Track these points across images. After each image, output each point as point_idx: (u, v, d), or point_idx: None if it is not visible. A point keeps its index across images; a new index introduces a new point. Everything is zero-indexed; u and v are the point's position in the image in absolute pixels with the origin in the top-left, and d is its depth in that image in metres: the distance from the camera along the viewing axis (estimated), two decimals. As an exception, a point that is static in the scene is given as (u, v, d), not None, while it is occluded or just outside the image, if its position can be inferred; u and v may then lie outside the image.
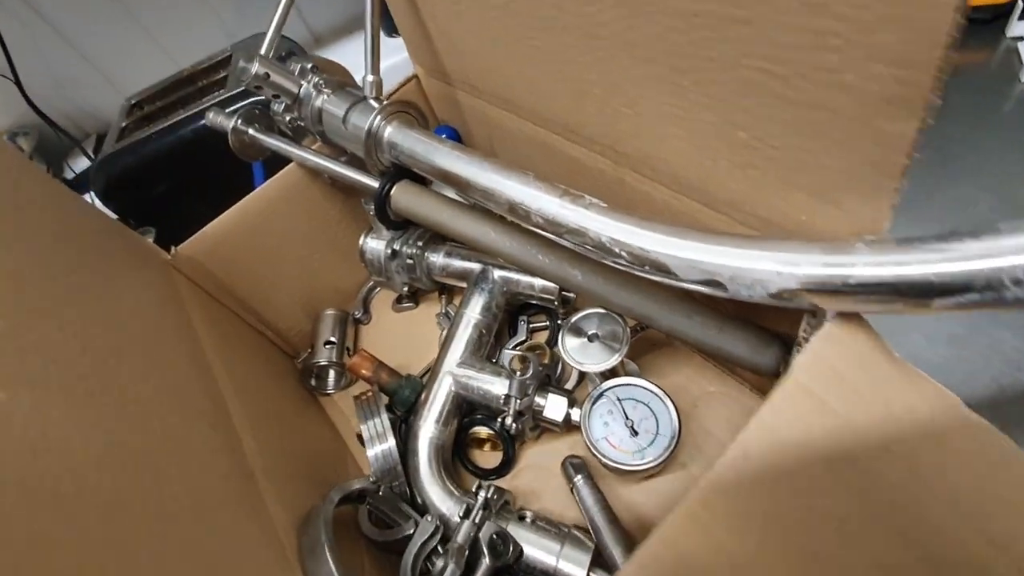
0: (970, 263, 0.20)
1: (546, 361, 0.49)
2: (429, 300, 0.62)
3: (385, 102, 0.44)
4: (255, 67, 0.46)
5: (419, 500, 0.42)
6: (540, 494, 0.45)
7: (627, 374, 0.45)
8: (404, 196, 0.46)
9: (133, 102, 0.71)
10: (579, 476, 0.41)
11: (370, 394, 0.46)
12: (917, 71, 0.18)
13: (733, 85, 0.24)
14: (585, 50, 0.31)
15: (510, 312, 0.54)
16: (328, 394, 0.57)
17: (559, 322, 0.53)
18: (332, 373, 0.58)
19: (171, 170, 0.65)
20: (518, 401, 0.40)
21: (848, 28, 0.19)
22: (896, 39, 0.18)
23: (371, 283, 0.64)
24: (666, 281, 0.29)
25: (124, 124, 0.68)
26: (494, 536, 0.35)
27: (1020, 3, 0.59)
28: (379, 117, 0.43)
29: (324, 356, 0.55)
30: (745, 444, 0.24)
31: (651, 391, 0.40)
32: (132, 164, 0.63)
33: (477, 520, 0.36)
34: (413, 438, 0.44)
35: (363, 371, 0.50)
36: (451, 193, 0.51)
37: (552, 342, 0.52)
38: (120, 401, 0.26)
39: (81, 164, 0.89)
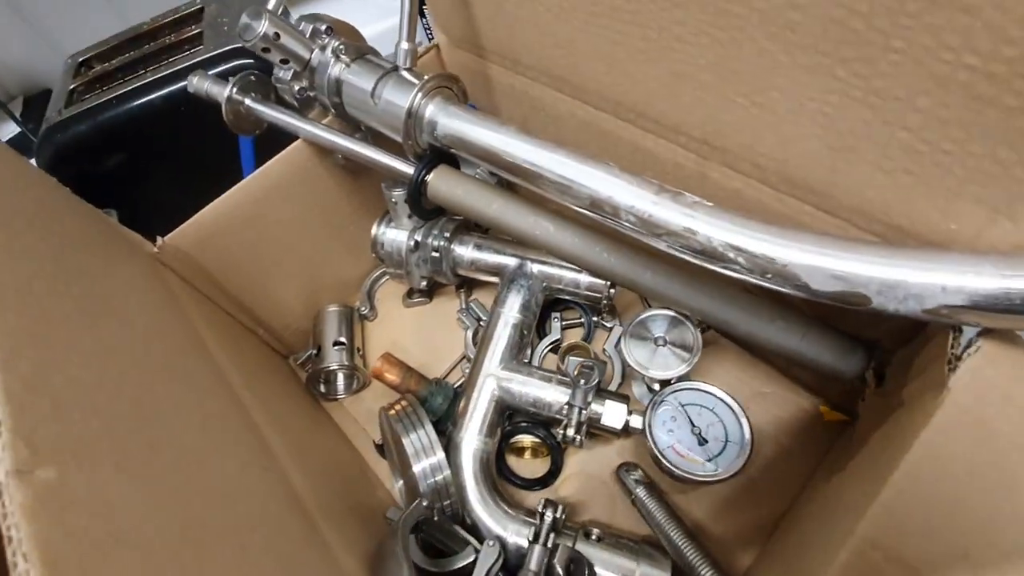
0: None
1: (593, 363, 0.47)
2: (440, 295, 0.57)
3: (427, 77, 0.38)
4: (263, 25, 0.39)
5: (468, 521, 0.38)
6: (589, 504, 0.43)
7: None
8: (444, 183, 0.41)
9: (80, 60, 0.60)
10: (640, 488, 0.39)
11: (404, 403, 0.41)
12: None
13: (917, 81, 0.21)
14: (704, 28, 0.28)
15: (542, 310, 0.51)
16: (337, 399, 0.52)
17: (595, 319, 0.50)
18: (341, 376, 0.52)
19: (135, 142, 0.55)
20: (582, 412, 0.37)
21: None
22: None
23: (377, 274, 0.58)
24: (789, 292, 0.27)
25: (72, 86, 0.57)
26: (569, 563, 0.32)
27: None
28: (420, 94, 0.38)
29: (335, 359, 0.49)
30: (909, 468, 0.22)
31: (716, 396, 0.38)
32: (87, 133, 0.53)
33: (549, 544, 0.33)
34: (455, 451, 0.40)
35: (389, 376, 0.45)
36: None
37: (588, 339, 0.50)
38: (175, 459, 0.20)
39: (8, 130, 0.75)
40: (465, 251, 0.48)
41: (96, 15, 0.69)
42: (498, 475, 0.44)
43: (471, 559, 0.34)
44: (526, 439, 0.43)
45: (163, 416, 0.23)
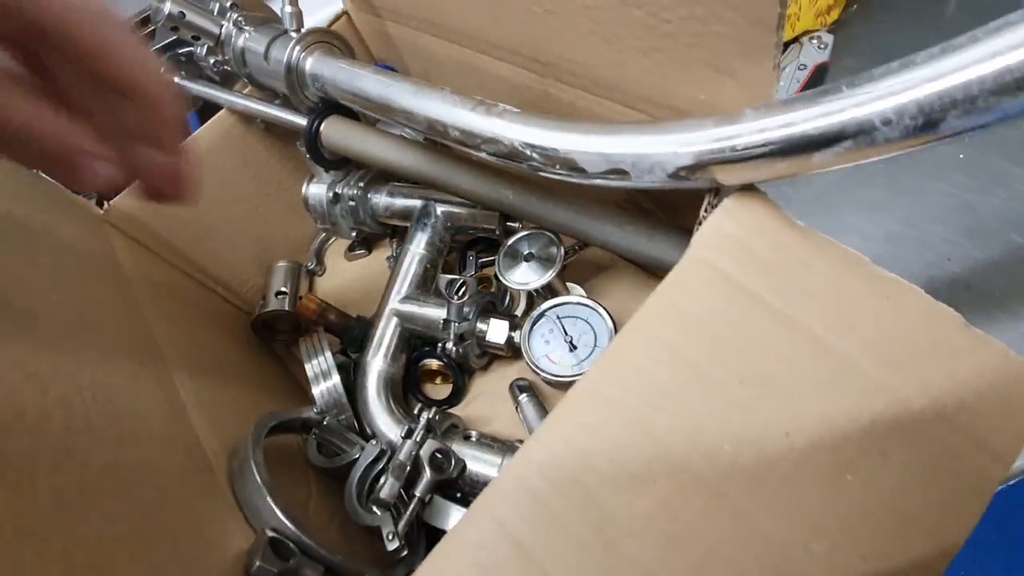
0: (843, 113, 0.20)
1: (492, 290, 0.50)
2: (382, 247, 0.61)
3: (303, 32, 0.42)
4: (168, 6, 0.44)
5: (368, 430, 0.42)
6: (492, 420, 0.46)
7: (572, 297, 0.45)
8: (335, 131, 0.45)
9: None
10: (523, 395, 0.41)
11: (313, 334, 0.46)
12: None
13: (618, -44, 0.23)
14: (487, -52, 0.30)
15: (460, 249, 0.54)
16: (282, 343, 0.57)
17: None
18: (287, 323, 0.57)
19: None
20: (456, 324, 0.40)
21: None
22: None
23: (324, 234, 0.63)
24: (577, 180, 0.29)
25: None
26: (435, 453, 0.36)
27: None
28: (298, 48, 0.42)
29: (275, 305, 0.54)
30: (644, 320, 0.24)
31: (589, 306, 0.40)
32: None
33: (418, 439, 0.37)
34: (362, 374, 0.45)
35: (308, 314, 0.50)
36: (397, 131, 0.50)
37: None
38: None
39: None
40: (380, 198, 0.52)
41: None
42: (415, 399, 0.48)
43: (357, 456, 0.38)
44: (432, 363, 0.47)
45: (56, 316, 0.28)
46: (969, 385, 0.21)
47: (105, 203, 0.48)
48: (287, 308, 0.55)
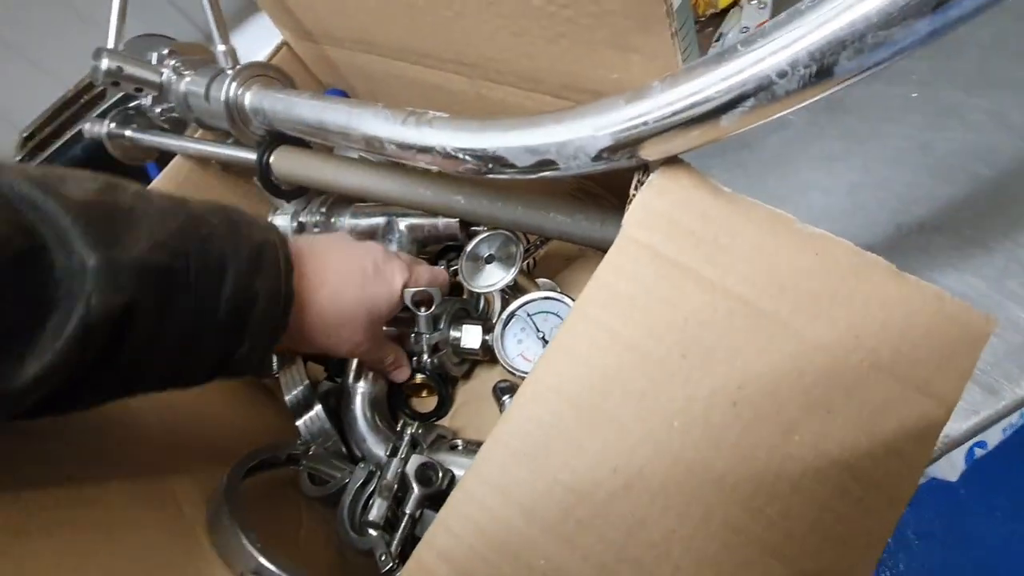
0: (742, 73, 0.20)
1: (465, 297, 0.49)
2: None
3: (238, 68, 0.42)
4: (104, 62, 0.44)
5: (358, 452, 0.42)
6: (480, 426, 0.45)
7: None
8: (285, 161, 0.45)
9: (25, 135, 0.69)
10: (506, 396, 0.41)
11: (291, 366, 0.46)
12: None
13: (504, -52, 0.23)
14: (392, -41, 0.30)
15: (432, 260, 0.54)
16: (274, 376, 0.58)
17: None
18: (275, 356, 0.58)
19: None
20: (427, 336, 0.40)
21: None
22: None
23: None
24: (511, 176, 0.29)
25: (19, 157, 0.66)
26: (422, 467, 0.36)
27: None
28: (235, 84, 0.42)
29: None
30: (583, 306, 0.24)
31: (555, 299, 0.40)
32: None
33: (403, 456, 0.37)
34: (347, 397, 0.45)
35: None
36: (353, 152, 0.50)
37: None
38: None
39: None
40: (344, 221, 0.52)
41: (40, 87, 0.78)
42: (403, 415, 0.48)
43: (347, 481, 0.38)
44: (416, 377, 0.47)
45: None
46: (905, 332, 0.20)
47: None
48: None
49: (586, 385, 0.23)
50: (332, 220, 0.52)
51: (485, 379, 0.47)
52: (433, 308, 0.40)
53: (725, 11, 0.53)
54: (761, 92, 0.19)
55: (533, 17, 0.26)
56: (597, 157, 0.25)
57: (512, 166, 0.28)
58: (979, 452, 0.77)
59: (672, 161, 0.25)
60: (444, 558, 0.22)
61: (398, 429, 0.39)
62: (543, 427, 0.23)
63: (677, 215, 0.24)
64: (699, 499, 0.20)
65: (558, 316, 0.40)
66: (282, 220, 0.53)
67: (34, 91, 0.80)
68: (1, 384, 0.21)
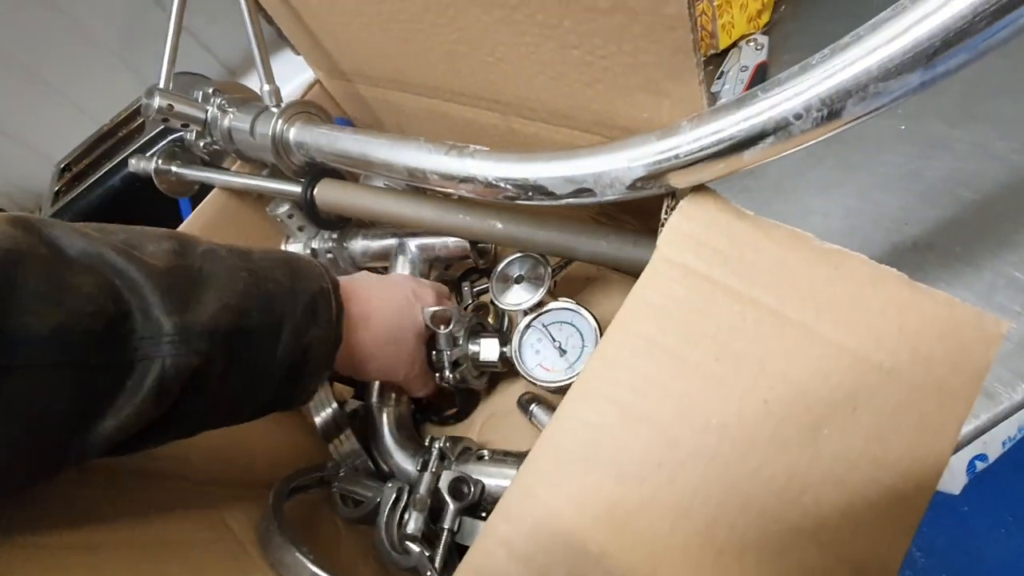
0: (762, 115, 0.23)
1: (490, 318, 0.52)
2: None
3: (284, 105, 0.46)
4: (156, 101, 0.48)
5: (386, 469, 0.44)
6: (508, 436, 0.48)
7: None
8: (329, 193, 0.48)
9: (62, 166, 0.72)
10: (533, 406, 0.43)
11: (320, 389, 0.48)
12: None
13: (554, 8, 0.27)
14: (441, 12, 0.34)
15: (455, 282, 0.57)
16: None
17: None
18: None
19: (106, 219, 0.66)
20: (448, 353, 0.43)
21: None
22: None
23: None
24: (548, 203, 0.32)
25: (57, 188, 0.69)
26: (454, 482, 0.38)
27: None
28: (280, 120, 0.45)
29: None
30: (623, 319, 0.27)
31: (570, 309, 0.42)
32: (68, 221, 0.65)
33: (434, 469, 0.39)
34: (373, 416, 0.47)
35: None
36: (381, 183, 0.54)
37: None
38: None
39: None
40: (357, 244, 0.54)
41: (73, 122, 0.82)
42: (427, 422, 0.50)
43: (379, 500, 0.40)
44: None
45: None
46: (921, 335, 0.23)
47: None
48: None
49: (628, 388, 0.25)
50: (344, 244, 0.55)
51: (507, 393, 0.50)
52: (452, 326, 0.43)
53: (725, 51, 0.58)
54: (780, 131, 0.23)
55: (572, 64, 0.29)
56: (631, 186, 0.28)
57: (551, 194, 0.31)
58: (980, 465, 0.79)
59: (699, 188, 0.28)
60: (503, 544, 0.24)
61: (426, 444, 0.41)
62: (590, 427, 0.25)
63: (705, 236, 0.27)
64: (737, 490, 0.23)
65: (572, 325, 0.43)
66: (295, 246, 0.56)
67: (67, 126, 0.85)
68: (80, 436, 0.23)
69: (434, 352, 0.43)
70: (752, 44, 0.56)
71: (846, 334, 0.23)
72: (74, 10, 0.79)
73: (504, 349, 0.43)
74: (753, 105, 0.23)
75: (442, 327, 0.42)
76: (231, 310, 0.28)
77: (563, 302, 0.43)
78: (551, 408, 0.43)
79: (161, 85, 0.49)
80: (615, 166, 0.28)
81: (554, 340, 0.42)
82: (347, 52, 0.49)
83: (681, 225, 0.27)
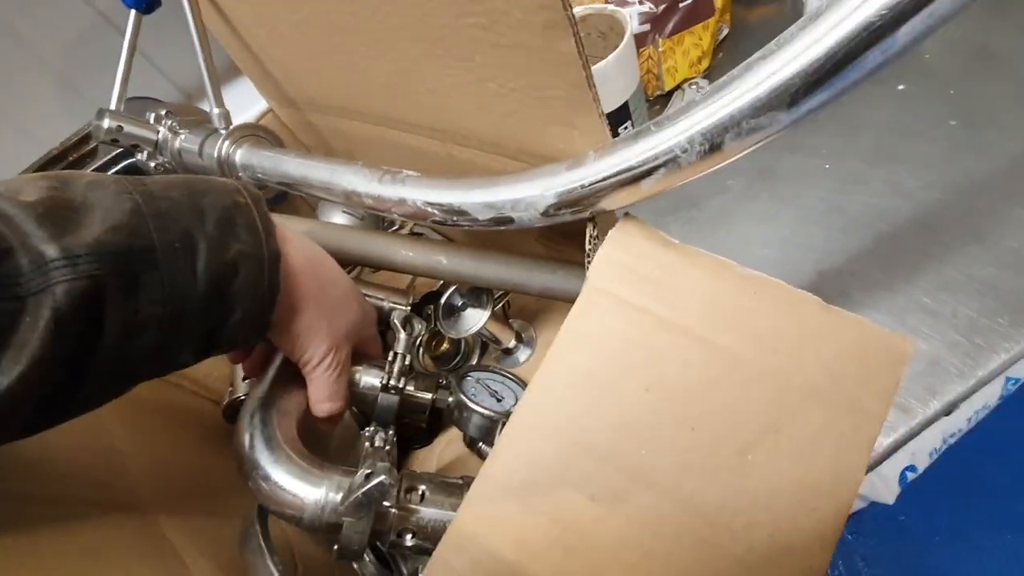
0: (654, 148, 0.25)
1: (445, 344, 0.52)
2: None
3: (232, 128, 0.47)
4: (106, 122, 0.48)
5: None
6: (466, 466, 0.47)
7: (516, 332, 0.48)
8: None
9: (9, 185, 0.71)
10: (480, 443, 0.44)
11: None
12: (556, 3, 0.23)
13: (466, 43, 0.28)
14: (374, 45, 0.35)
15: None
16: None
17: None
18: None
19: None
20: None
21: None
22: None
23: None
24: (469, 225, 0.33)
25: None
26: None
27: (798, -40, 0.68)
28: (227, 142, 0.46)
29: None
30: (557, 351, 0.27)
31: (508, 377, 0.43)
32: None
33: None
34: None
35: None
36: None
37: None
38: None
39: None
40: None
41: (15, 149, 0.81)
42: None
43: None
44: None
45: None
46: (836, 357, 0.24)
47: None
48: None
49: (564, 419, 0.26)
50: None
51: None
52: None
53: (670, 92, 0.61)
54: (669, 163, 0.24)
55: (489, 96, 0.31)
56: (545, 212, 0.29)
57: (473, 218, 0.32)
58: (911, 476, 0.82)
59: (627, 217, 0.29)
60: None
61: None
62: (528, 464, 0.26)
63: (636, 265, 0.28)
64: (671, 519, 0.23)
65: (507, 386, 0.43)
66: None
67: (9, 150, 0.83)
68: None
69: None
70: (694, 87, 0.60)
71: (769, 358, 0.24)
72: (18, 30, 0.79)
73: (436, 395, 0.42)
74: (648, 139, 0.25)
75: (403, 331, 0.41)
76: (119, 230, 0.25)
77: (495, 371, 0.44)
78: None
79: (112, 107, 0.50)
80: (529, 193, 0.29)
81: (491, 390, 0.42)
82: (295, 81, 0.50)
83: (611, 255, 0.28)
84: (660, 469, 0.24)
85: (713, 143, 0.23)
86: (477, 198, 0.31)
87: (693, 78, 0.61)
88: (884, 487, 0.83)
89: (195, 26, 0.47)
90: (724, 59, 0.64)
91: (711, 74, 0.62)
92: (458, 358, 0.55)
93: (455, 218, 0.33)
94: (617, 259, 0.28)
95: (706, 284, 0.27)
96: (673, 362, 0.25)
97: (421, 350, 0.55)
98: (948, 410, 0.38)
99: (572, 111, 0.27)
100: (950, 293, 0.40)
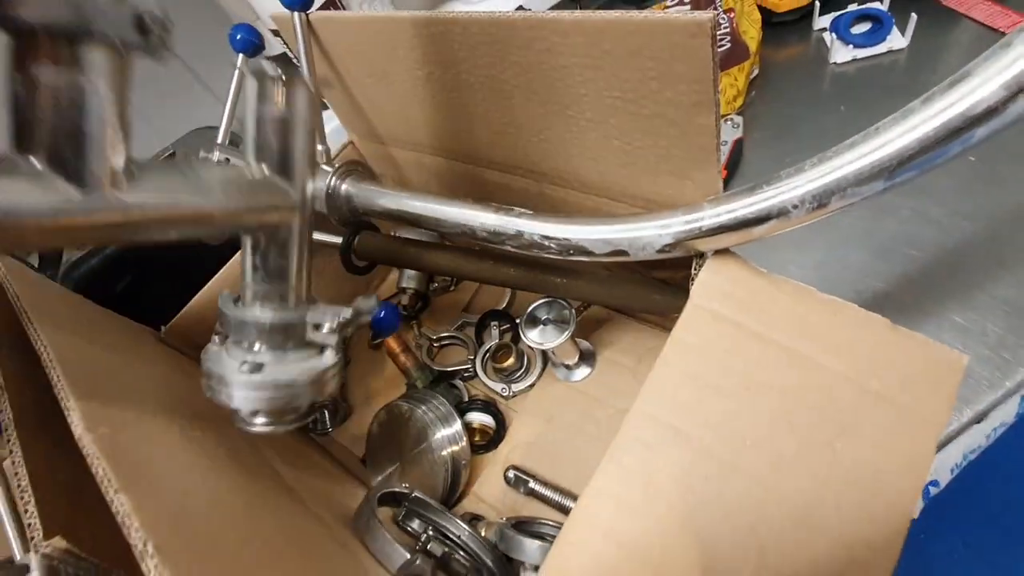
0: (768, 202, 0.30)
1: (511, 359, 0.58)
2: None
3: (338, 164, 0.52)
4: (216, 156, 0.53)
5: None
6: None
7: (580, 351, 0.54)
8: (370, 244, 0.54)
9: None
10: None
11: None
12: (704, 85, 0.28)
13: (604, 109, 0.34)
14: (496, 101, 0.41)
15: (475, 324, 0.63)
16: (327, 433, 0.63)
17: (518, 321, 0.61)
18: (327, 413, 0.63)
19: (135, 266, 0.69)
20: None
21: (658, 64, 0.29)
22: (687, 67, 0.29)
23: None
24: (586, 259, 0.38)
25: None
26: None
27: (817, 2, 0.75)
28: (335, 178, 0.51)
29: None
30: (666, 357, 0.33)
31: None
32: (97, 266, 0.67)
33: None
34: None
35: (393, 345, 0.58)
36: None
37: (516, 340, 0.61)
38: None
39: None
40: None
41: None
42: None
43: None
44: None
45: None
46: (904, 368, 0.30)
47: (162, 327, 0.54)
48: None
49: (675, 413, 0.31)
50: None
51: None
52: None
53: (710, 126, 0.68)
54: (781, 215, 0.30)
55: (611, 152, 0.36)
56: (661, 250, 0.35)
57: (590, 253, 0.38)
58: (933, 491, 0.87)
59: (722, 251, 0.35)
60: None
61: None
62: (647, 446, 0.31)
63: (730, 288, 0.34)
64: (767, 501, 0.29)
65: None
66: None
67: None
68: None
69: None
70: (730, 123, 0.66)
71: (848, 366, 0.30)
72: None
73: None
74: (760, 193, 0.31)
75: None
76: None
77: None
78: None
79: (219, 140, 0.54)
80: (648, 233, 0.35)
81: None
82: (390, 122, 0.55)
83: (710, 279, 0.34)
84: (760, 460, 0.29)
85: (821, 202, 0.29)
86: (598, 235, 0.37)
87: (729, 115, 0.68)
88: (910, 500, 0.88)
89: (307, 66, 0.51)
90: (756, 97, 0.71)
91: (745, 112, 0.69)
92: (520, 371, 0.60)
93: (571, 252, 0.39)
94: (715, 283, 0.34)
95: (790, 304, 0.33)
96: (766, 368, 0.31)
97: (487, 361, 0.60)
98: (979, 418, 0.45)
99: (693, 166, 0.33)
100: (978, 313, 0.47)
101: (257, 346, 0.37)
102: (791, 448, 0.29)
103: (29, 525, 0.26)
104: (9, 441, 0.29)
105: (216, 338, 0.39)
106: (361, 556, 0.36)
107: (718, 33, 0.62)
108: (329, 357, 0.39)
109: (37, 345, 0.32)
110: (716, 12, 0.64)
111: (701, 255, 0.36)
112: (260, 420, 0.36)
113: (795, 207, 0.30)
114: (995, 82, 0.24)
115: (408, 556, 0.34)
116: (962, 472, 1.06)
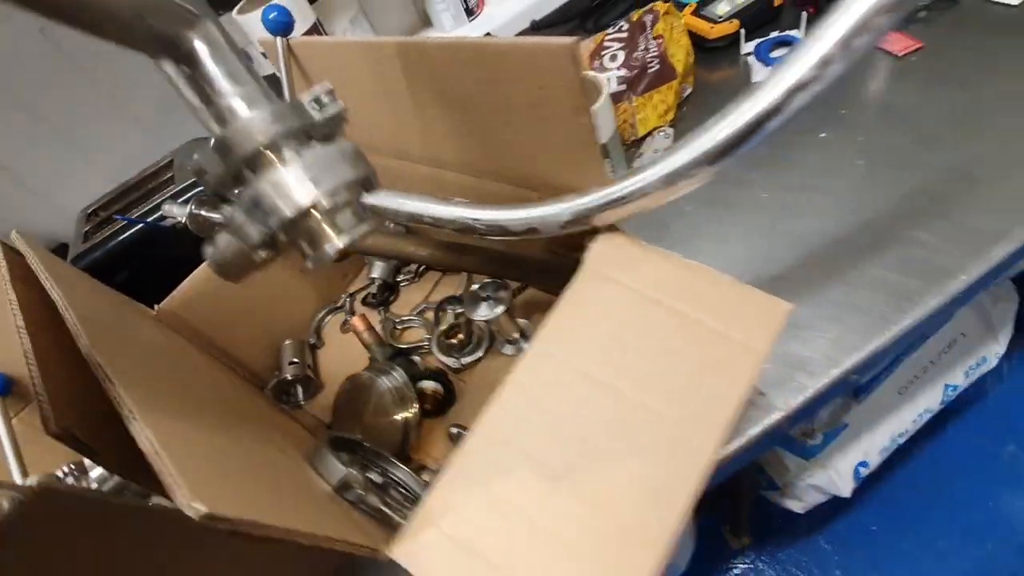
0: (634, 185, 0.39)
1: (460, 335, 0.66)
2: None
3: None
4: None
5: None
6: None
7: (521, 328, 0.62)
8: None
9: (90, 211, 0.83)
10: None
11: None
12: (576, 93, 0.37)
13: (521, 115, 0.43)
14: (445, 109, 0.50)
15: (434, 308, 0.71)
16: (300, 406, 0.70)
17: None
18: (299, 388, 0.70)
19: (137, 260, 0.78)
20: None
21: (542, 76, 0.38)
22: (561, 80, 0.37)
23: (321, 314, 0.78)
24: (505, 238, 0.47)
25: (86, 229, 0.80)
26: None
27: (743, 30, 0.85)
28: (307, 178, 0.60)
29: (290, 372, 0.68)
30: (561, 309, 0.41)
31: None
32: (101, 258, 0.75)
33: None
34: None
35: (358, 325, 0.65)
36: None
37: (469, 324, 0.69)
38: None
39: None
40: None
41: (92, 179, 0.94)
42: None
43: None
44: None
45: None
46: (740, 312, 0.38)
47: (155, 306, 0.62)
48: (300, 374, 0.68)
49: (561, 348, 0.39)
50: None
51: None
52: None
53: (643, 138, 0.77)
54: (643, 194, 0.39)
55: (528, 147, 0.45)
56: (563, 225, 0.43)
57: (512, 232, 0.46)
58: (863, 471, 0.95)
59: (611, 228, 0.43)
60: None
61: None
62: (533, 370, 0.39)
63: (616, 256, 0.42)
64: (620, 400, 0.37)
65: None
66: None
67: (85, 181, 0.96)
68: None
69: None
70: (662, 134, 0.75)
71: (698, 311, 0.38)
72: (107, 82, 0.93)
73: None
74: (629, 180, 0.39)
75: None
76: None
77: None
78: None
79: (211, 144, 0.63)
80: (551, 213, 0.43)
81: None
82: (357, 130, 0.64)
83: (600, 249, 0.43)
84: (624, 378, 0.37)
85: (669, 182, 0.37)
86: (517, 217, 0.45)
87: (661, 126, 0.77)
88: (840, 481, 0.95)
89: (287, 83, 0.60)
90: (688, 112, 0.80)
91: (676, 124, 0.78)
92: (469, 347, 0.67)
93: (495, 230, 0.47)
94: (604, 252, 0.43)
95: (667, 269, 0.41)
96: (634, 312, 0.40)
97: (441, 339, 0.68)
98: (847, 376, 0.52)
99: (582, 157, 0.42)
100: (852, 288, 0.55)
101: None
102: (648, 370, 0.37)
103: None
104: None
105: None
106: (309, 474, 0.43)
107: (648, 56, 0.72)
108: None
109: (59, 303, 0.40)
110: (645, 36, 0.74)
111: (595, 231, 0.45)
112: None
113: (655, 187, 0.38)
114: (779, 88, 0.33)
115: (345, 471, 0.41)
116: (908, 470, 1.14)
